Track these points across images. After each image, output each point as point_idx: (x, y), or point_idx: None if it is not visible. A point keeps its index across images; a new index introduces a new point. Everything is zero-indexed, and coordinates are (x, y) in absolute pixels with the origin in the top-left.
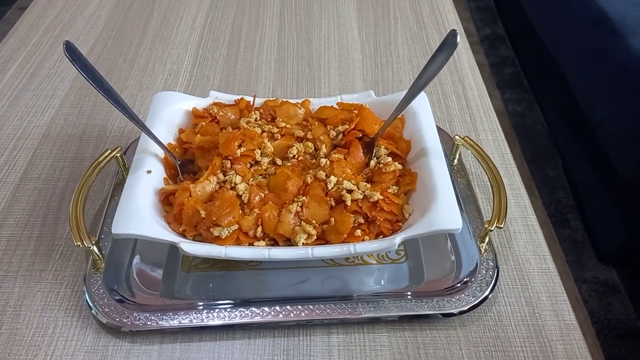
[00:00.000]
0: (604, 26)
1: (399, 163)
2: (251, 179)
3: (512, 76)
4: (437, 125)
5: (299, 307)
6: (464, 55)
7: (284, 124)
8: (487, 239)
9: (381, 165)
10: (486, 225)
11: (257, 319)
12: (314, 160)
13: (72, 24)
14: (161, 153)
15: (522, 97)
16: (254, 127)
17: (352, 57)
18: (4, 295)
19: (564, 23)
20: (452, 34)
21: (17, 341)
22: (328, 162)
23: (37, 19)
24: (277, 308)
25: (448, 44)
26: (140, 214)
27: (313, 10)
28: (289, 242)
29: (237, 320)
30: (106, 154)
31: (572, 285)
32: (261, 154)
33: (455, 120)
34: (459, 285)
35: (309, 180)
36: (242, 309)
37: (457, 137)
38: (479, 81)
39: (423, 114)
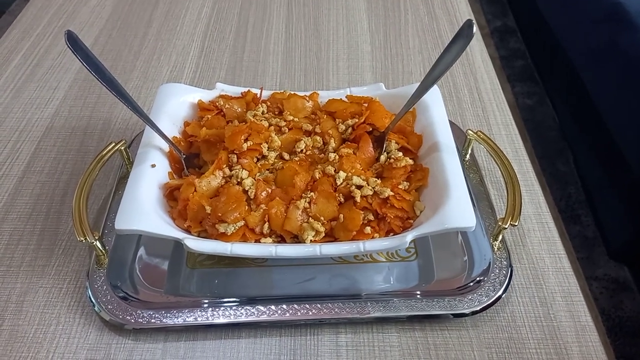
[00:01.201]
0: (617, 19)
1: (410, 158)
2: (258, 174)
3: (523, 69)
4: (449, 119)
5: (307, 305)
6: (477, 47)
7: (291, 117)
8: (500, 237)
9: (392, 160)
10: (500, 223)
11: (264, 317)
12: (323, 154)
13: (76, 15)
14: (166, 147)
15: (533, 90)
16: (261, 121)
17: (362, 48)
18: (6, 290)
19: (576, 15)
20: (468, 24)
21: (19, 338)
22: (337, 156)
23: (40, 9)
24: (284, 306)
25: (463, 35)
26: (144, 210)
27: (321, 0)
28: (297, 238)
29: (243, 319)
30: (110, 147)
31: (583, 282)
32: (268, 148)
33: (467, 114)
34: (471, 284)
35: (317, 175)
36: (248, 307)
37: (469, 131)
38: (492, 74)
39: (435, 108)
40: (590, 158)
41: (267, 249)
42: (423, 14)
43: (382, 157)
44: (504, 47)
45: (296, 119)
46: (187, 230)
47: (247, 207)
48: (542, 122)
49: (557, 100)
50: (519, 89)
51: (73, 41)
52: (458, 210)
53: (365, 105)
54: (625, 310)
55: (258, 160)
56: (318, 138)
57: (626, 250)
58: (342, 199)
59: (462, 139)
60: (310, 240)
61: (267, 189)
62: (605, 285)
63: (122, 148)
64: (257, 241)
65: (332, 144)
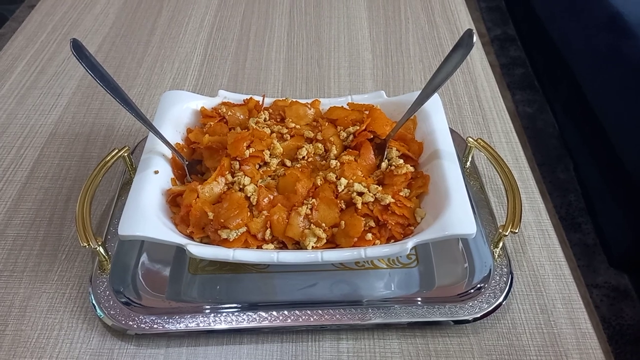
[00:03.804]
0: (617, 26)
1: (410, 165)
2: (260, 181)
3: (523, 77)
4: (449, 127)
5: (308, 311)
6: (477, 55)
7: (293, 125)
8: (500, 244)
9: (393, 167)
10: (500, 230)
11: (265, 323)
12: (324, 161)
13: (80, 22)
14: (169, 153)
15: (533, 98)
16: (263, 128)
17: (363, 56)
18: (9, 295)
19: (576, 23)
20: (468, 33)
21: (22, 343)
22: (338, 163)
23: (45, 16)
24: (286, 312)
25: (463, 45)
26: (147, 215)
27: (323, 9)
28: (298, 245)
29: (245, 325)
30: (113, 153)
31: (584, 290)
32: (270, 155)
33: (467, 122)
34: (472, 291)
35: (318, 182)
36: (249, 313)
37: (470, 139)
38: (492, 82)
39: (436, 116)
40: (590, 165)
41: (269, 255)
42: (423, 23)
43: (383, 164)
44: (504, 55)
45: (298, 126)
46: (190, 236)
47: (249, 214)
48: (543, 130)
49: (558, 107)
50: (519, 97)
51: (78, 49)
52: (459, 217)
53: (367, 112)
54: (626, 318)
55: (260, 167)
56: (319, 145)
57: (627, 258)
58: (344, 206)
59: (462, 147)
60: (312, 247)
61: (269, 195)
62: (606, 293)
63: (125, 154)
64: (259, 247)
65: (334, 151)
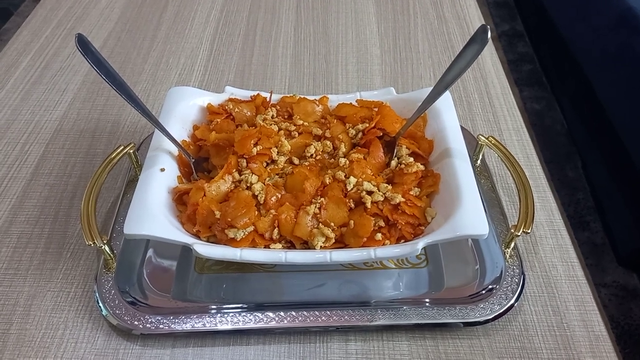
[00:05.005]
0: (629, 23)
1: (421, 164)
2: (267, 179)
3: (531, 73)
4: (459, 124)
5: (316, 312)
6: (487, 51)
7: (301, 122)
8: (512, 244)
9: (402, 165)
10: (512, 230)
11: (273, 324)
12: (333, 159)
13: (85, 17)
14: (175, 150)
15: (541, 95)
16: (271, 125)
17: (371, 52)
18: (14, 294)
19: (585, 19)
20: (483, 29)
21: (27, 342)
22: (347, 162)
23: (50, 11)
24: (293, 313)
25: (477, 41)
26: (153, 214)
27: (330, 4)
28: (306, 244)
29: (252, 325)
30: (119, 150)
31: (592, 289)
32: (278, 152)
33: (477, 119)
34: (483, 292)
35: (327, 180)
36: (256, 314)
37: (481, 137)
38: (502, 78)
39: (446, 113)
40: (599, 164)
41: (277, 255)
42: (432, 18)
43: (393, 163)
44: (511, 51)
45: (306, 123)
46: (196, 235)
47: (256, 212)
48: (551, 127)
49: (566, 104)
50: (527, 93)
51: (83, 44)
52: (470, 217)
53: (376, 109)
54: (635, 318)
55: (267, 164)
56: (328, 143)
57: (635, 257)
58: (353, 205)
59: (473, 144)
60: (320, 247)
61: (277, 194)
62: (614, 293)
63: (131, 151)
64: (267, 247)
65: (342, 148)
